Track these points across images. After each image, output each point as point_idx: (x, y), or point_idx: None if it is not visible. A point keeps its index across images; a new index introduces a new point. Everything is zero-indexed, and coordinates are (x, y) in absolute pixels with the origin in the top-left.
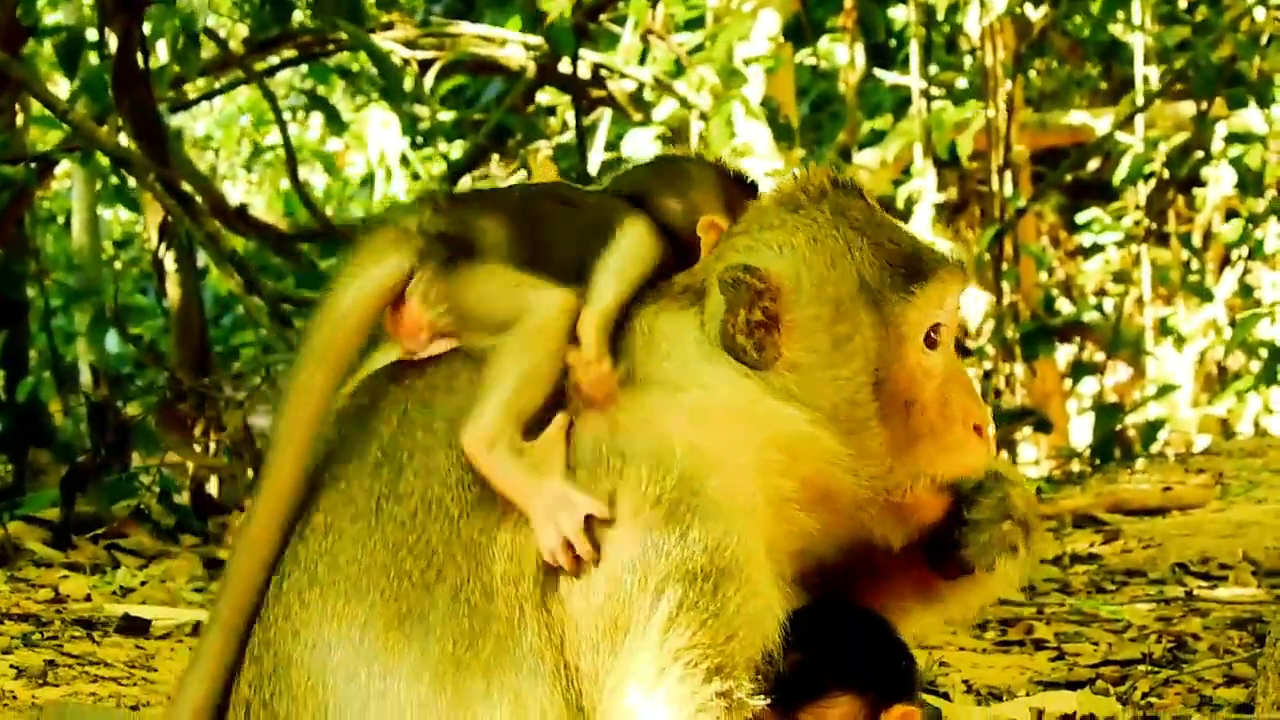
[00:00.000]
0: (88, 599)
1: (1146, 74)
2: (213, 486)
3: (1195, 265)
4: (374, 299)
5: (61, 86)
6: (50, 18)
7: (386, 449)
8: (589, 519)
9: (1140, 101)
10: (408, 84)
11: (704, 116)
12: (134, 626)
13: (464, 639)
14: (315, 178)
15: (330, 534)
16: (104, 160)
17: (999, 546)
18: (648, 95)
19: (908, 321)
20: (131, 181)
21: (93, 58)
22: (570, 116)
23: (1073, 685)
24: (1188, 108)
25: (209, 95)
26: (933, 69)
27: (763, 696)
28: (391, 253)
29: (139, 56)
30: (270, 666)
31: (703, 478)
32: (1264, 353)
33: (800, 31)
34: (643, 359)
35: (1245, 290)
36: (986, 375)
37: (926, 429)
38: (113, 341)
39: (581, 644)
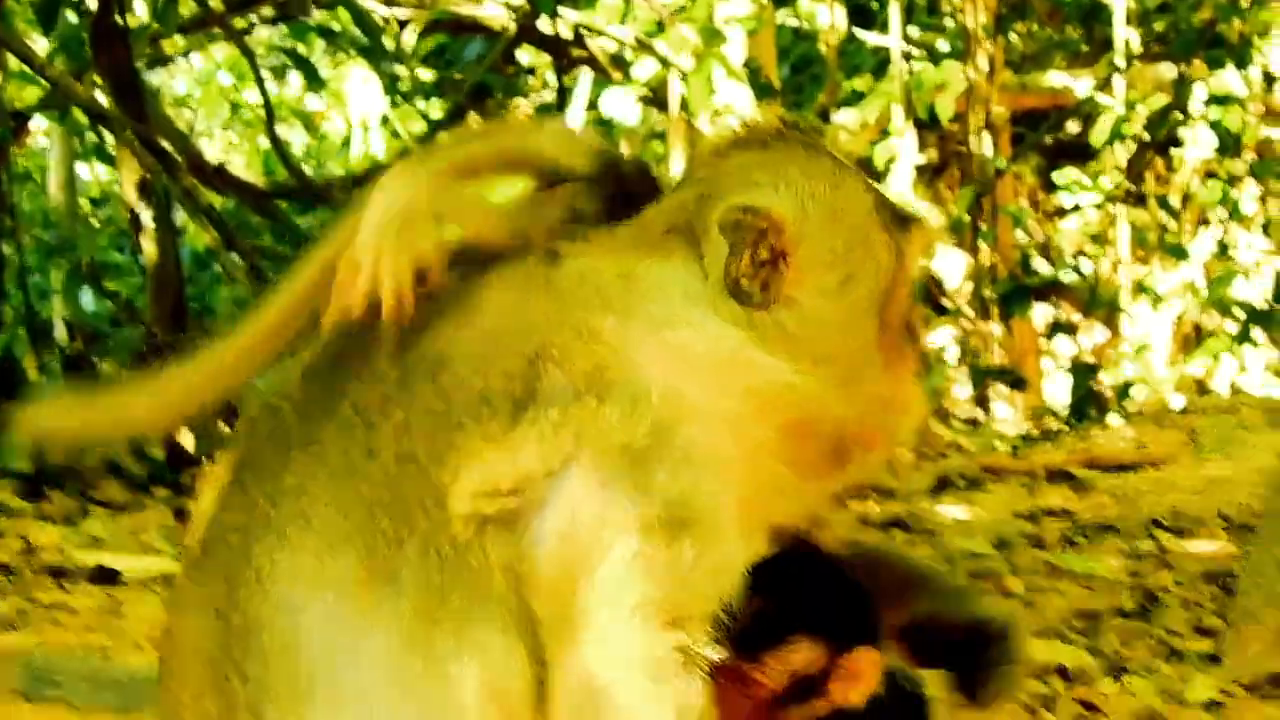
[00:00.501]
0: (59, 549)
1: (1127, 37)
2: (186, 439)
3: (1172, 226)
4: None
5: (39, 44)
6: None
7: (358, 405)
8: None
9: (1120, 63)
10: (388, 43)
11: (685, 77)
12: (104, 576)
13: (435, 594)
14: (294, 136)
15: (303, 496)
16: (81, 118)
17: (1008, 691)
18: (628, 55)
19: (909, 254)
20: (109, 139)
21: (71, 15)
22: (550, 76)
23: (1042, 636)
24: (1168, 70)
25: (187, 53)
26: (914, 30)
27: (721, 647)
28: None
29: (117, 14)
30: (240, 625)
31: (676, 426)
32: (1239, 313)
33: None
34: (623, 305)
35: (1222, 251)
36: (965, 335)
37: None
38: (89, 298)
39: (540, 592)
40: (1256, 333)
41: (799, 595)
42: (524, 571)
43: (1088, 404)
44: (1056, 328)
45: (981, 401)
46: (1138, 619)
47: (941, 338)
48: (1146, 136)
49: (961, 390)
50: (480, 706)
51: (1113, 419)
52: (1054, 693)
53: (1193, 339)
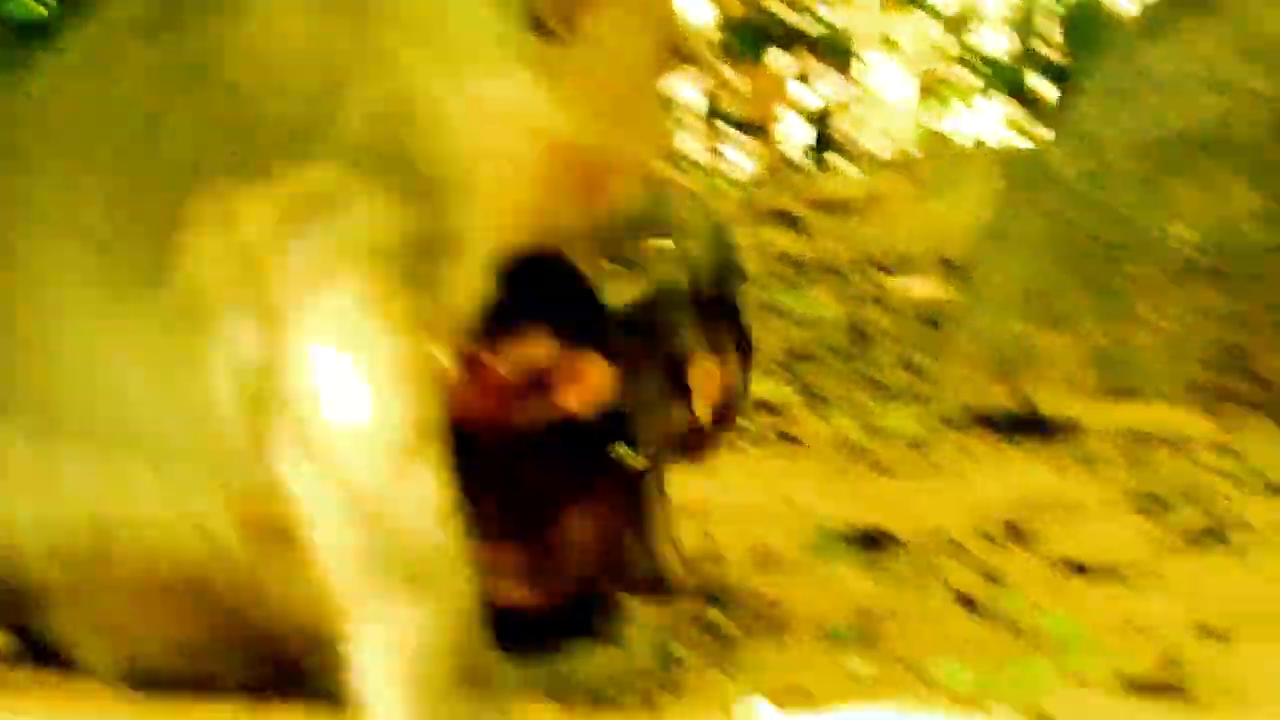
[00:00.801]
0: None
1: None
2: None
3: None
4: None
5: None
6: None
7: (130, 100)
8: None
9: None
10: None
11: None
12: None
13: (196, 294)
14: None
15: (71, 191)
16: None
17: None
18: None
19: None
20: None
21: None
22: None
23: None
24: None
25: None
26: None
27: (462, 347)
28: None
29: None
30: None
31: (437, 141)
32: (979, 65)
33: None
34: (424, 35)
35: (963, 3)
36: (708, 83)
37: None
38: None
39: (286, 291)
40: (993, 85)
41: (540, 290)
42: (277, 278)
43: (823, 150)
44: (797, 77)
45: (719, 149)
46: (848, 357)
47: (685, 85)
48: None
49: (698, 140)
50: (227, 396)
51: (841, 163)
52: (758, 427)
53: (931, 89)
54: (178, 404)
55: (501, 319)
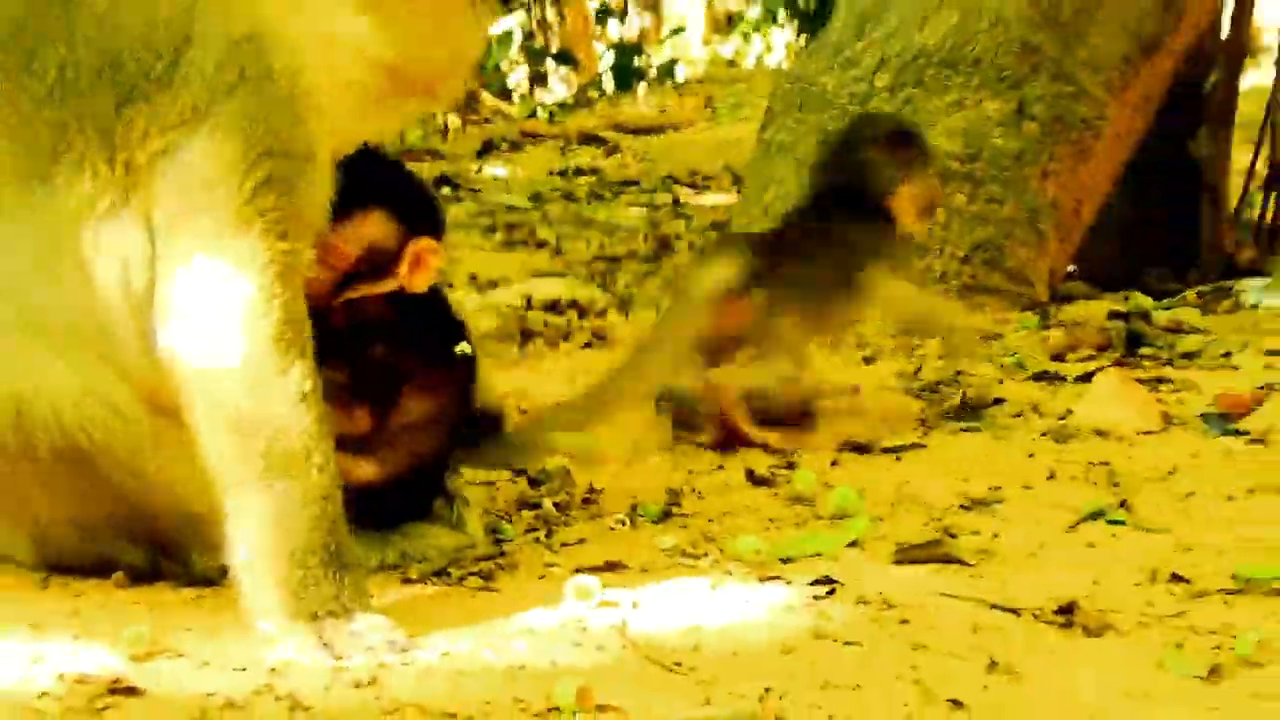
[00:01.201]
0: None
1: None
2: None
3: None
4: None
5: None
6: None
7: (21, 22)
8: None
9: None
10: None
11: None
12: None
13: (85, 201)
14: None
15: None
16: None
17: None
18: None
19: None
20: None
21: None
22: None
23: (564, 276)
24: None
25: None
26: None
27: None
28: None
29: None
30: None
31: (287, 65)
32: None
33: None
34: None
35: None
36: (528, 20)
37: None
38: None
39: (166, 204)
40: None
41: (377, 177)
42: (157, 189)
43: (627, 77)
44: (604, 12)
45: (537, 80)
46: (651, 262)
47: (506, 22)
48: None
49: (519, 71)
50: (119, 294)
51: (642, 89)
52: (570, 325)
53: (723, 22)
54: (73, 299)
55: (344, 207)
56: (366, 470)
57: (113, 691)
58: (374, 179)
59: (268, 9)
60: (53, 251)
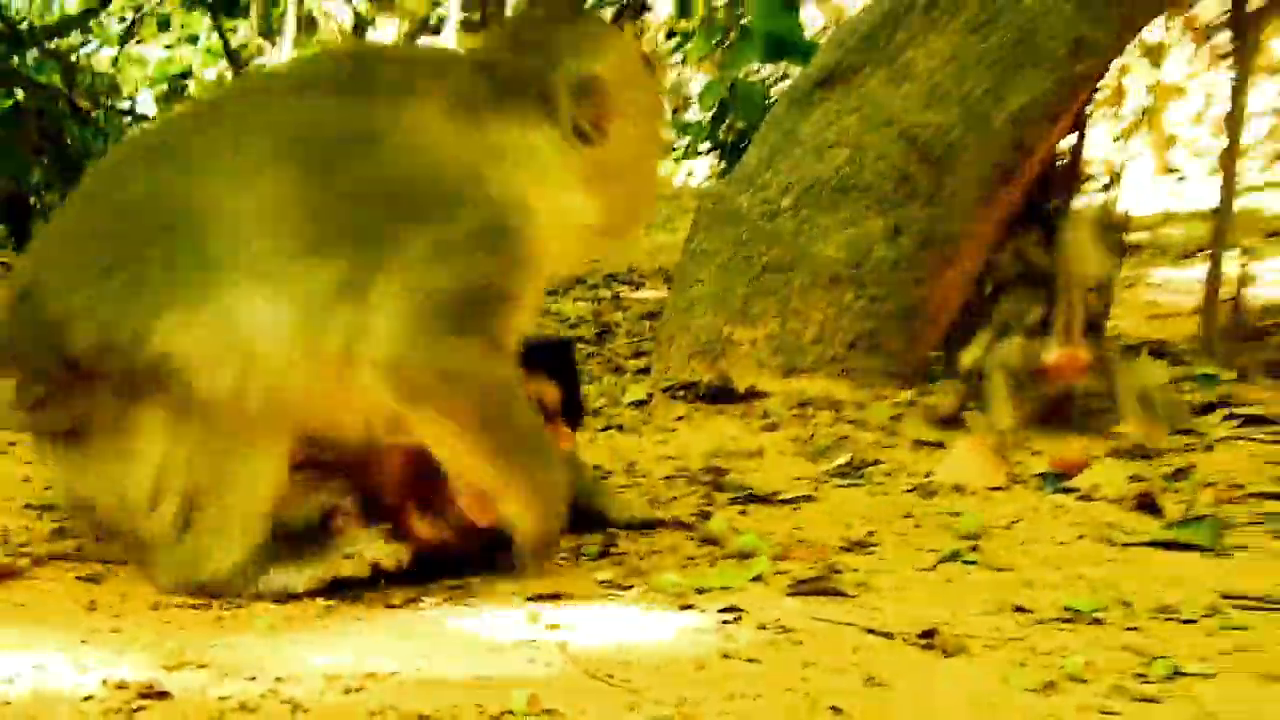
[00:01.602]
0: None
1: None
2: None
3: None
4: None
5: None
6: None
7: (313, 143)
8: None
9: None
10: None
11: None
12: None
13: (323, 294)
14: None
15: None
16: None
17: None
18: None
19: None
20: None
21: None
22: None
23: None
24: None
25: None
26: None
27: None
28: None
29: None
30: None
31: (523, 229)
32: (691, 129)
33: None
34: (499, 151)
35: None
36: None
37: None
38: None
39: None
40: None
41: (565, 360)
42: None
43: None
44: None
45: None
46: (595, 345)
47: None
48: None
49: None
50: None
51: None
52: None
53: None
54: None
55: (533, 361)
56: (428, 532)
57: (145, 696)
58: (562, 360)
59: (522, 187)
60: (304, 316)
